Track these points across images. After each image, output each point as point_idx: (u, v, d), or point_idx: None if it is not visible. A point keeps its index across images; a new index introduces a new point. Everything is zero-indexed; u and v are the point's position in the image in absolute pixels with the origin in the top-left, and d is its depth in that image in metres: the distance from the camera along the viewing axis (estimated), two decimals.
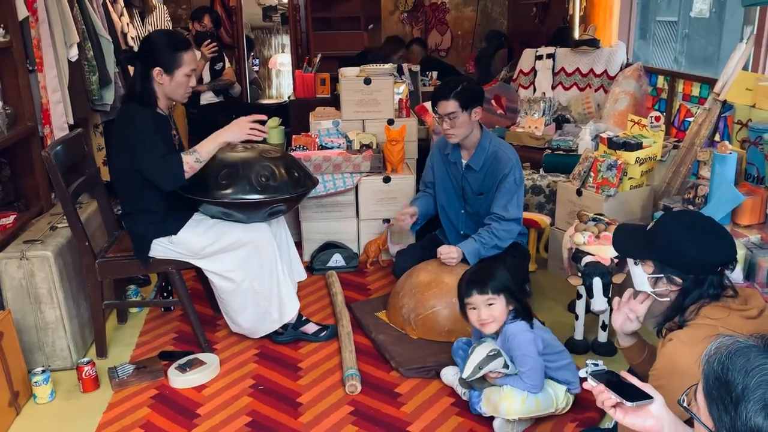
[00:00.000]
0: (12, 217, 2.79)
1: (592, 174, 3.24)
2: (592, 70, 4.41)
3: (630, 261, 1.83)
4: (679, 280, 1.67)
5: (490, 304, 2.15)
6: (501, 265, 2.89)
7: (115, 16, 3.74)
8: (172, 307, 3.13)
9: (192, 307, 2.70)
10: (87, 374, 2.48)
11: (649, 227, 1.79)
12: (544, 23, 5.74)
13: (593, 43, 4.41)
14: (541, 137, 4.06)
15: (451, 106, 2.84)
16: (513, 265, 2.98)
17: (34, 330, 2.57)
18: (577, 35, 4.75)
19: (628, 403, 1.32)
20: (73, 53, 3.12)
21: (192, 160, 2.47)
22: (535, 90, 4.62)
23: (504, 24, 6.70)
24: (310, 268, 3.50)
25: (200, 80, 4.84)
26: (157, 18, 4.41)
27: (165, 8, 4.57)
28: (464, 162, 3.03)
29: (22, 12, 2.87)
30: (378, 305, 3.07)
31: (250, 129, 2.55)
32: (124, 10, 3.98)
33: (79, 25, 3.18)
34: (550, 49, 4.61)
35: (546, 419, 2.23)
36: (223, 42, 5.98)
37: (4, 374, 2.30)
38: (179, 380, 2.51)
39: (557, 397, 2.16)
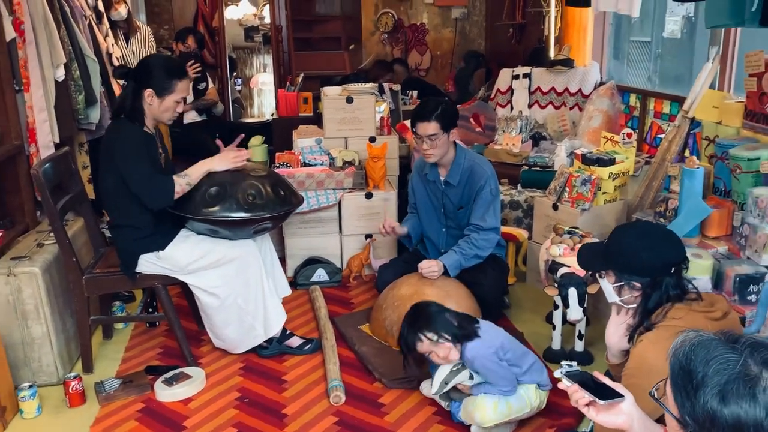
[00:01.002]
0: None
1: (567, 189, 3.34)
2: (567, 89, 4.54)
3: (598, 277, 1.94)
4: (639, 285, 1.79)
5: (439, 344, 2.21)
6: (481, 276, 3.01)
7: (100, 37, 3.80)
8: (157, 323, 3.16)
9: (178, 322, 2.75)
10: (74, 389, 2.50)
11: (605, 242, 1.91)
12: (520, 43, 5.89)
13: (568, 63, 4.55)
14: (518, 154, 4.17)
15: (432, 128, 2.92)
16: (493, 277, 3.08)
17: (21, 346, 2.59)
18: (552, 55, 4.89)
19: (601, 402, 1.40)
20: (60, 73, 3.17)
21: (183, 183, 2.55)
22: (512, 108, 4.74)
23: (482, 44, 6.85)
24: (293, 284, 3.55)
25: (187, 95, 4.89)
26: (142, 39, 4.48)
27: (149, 29, 4.63)
28: (442, 179, 3.11)
29: (10, 33, 2.92)
30: (361, 318, 3.13)
31: (234, 161, 2.66)
32: (109, 31, 4.04)
33: (66, 46, 3.23)
34: (527, 69, 4.74)
35: (525, 425, 2.30)
36: (206, 62, 6.05)
37: None
38: (166, 394, 2.54)
39: (529, 397, 2.23)
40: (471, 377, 2.22)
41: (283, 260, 3.64)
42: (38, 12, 3.02)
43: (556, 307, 2.77)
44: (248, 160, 2.77)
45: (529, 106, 4.68)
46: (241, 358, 2.84)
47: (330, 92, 3.94)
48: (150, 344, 3.01)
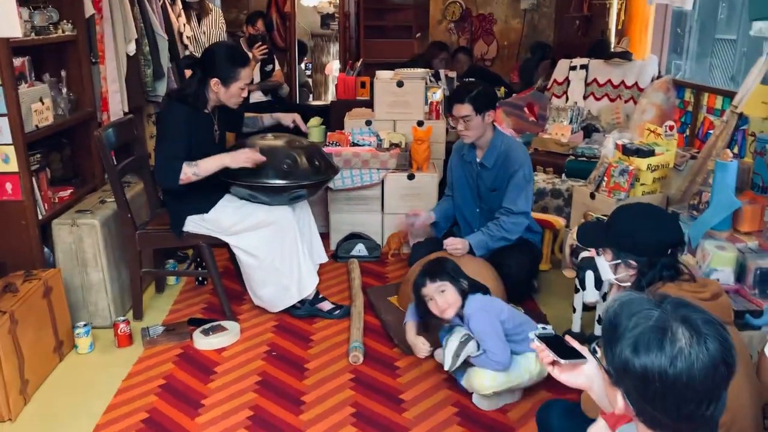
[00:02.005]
0: (69, 191, 3.13)
1: (605, 179, 3.36)
2: (623, 82, 4.51)
3: (596, 254, 2.01)
4: (635, 264, 1.84)
5: (442, 291, 2.35)
6: (509, 258, 3.10)
7: (173, 17, 4.10)
8: (205, 282, 3.42)
9: (219, 278, 2.99)
10: (122, 331, 2.78)
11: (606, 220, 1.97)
12: (586, 36, 5.84)
13: (626, 56, 4.51)
14: (566, 144, 4.20)
15: (465, 109, 3.03)
16: (520, 259, 3.15)
17: (80, 290, 2.89)
18: (612, 48, 4.85)
19: (562, 361, 1.50)
20: (131, 48, 3.47)
21: (190, 172, 2.72)
22: (567, 99, 4.75)
23: (550, 36, 6.81)
24: (334, 256, 3.75)
25: (251, 80, 5.17)
26: (213, 21, 4.77)
27: (220, 12, 4.92)
28: (478, 160, 3.21)
29: (89, 10, 3.24)
30: (391, 291, 3.28)
31: (248, 161, 2.77)
32: (182, 11, 4.34)
33: (138, 23, 3.53)
34: (584, 60, 4.73)
35: (529, 397, 2.39)
36: (276, 45, 6.32)
37: (51, 324, 2.63)
38: (202, 342, 2.79)
39: (528, 366, 2.32)
40: (479, 347, 2.32)
41: (327, 235, 3.85)
42: None
43: (576, 290, 2.82)
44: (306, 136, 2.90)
45: (585, 98, 4.68)
46: (276, 317, 3.05)
47: (382, 76, 4.09)
48: (196, 300, 3.27)
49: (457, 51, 6.46)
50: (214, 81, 2.79)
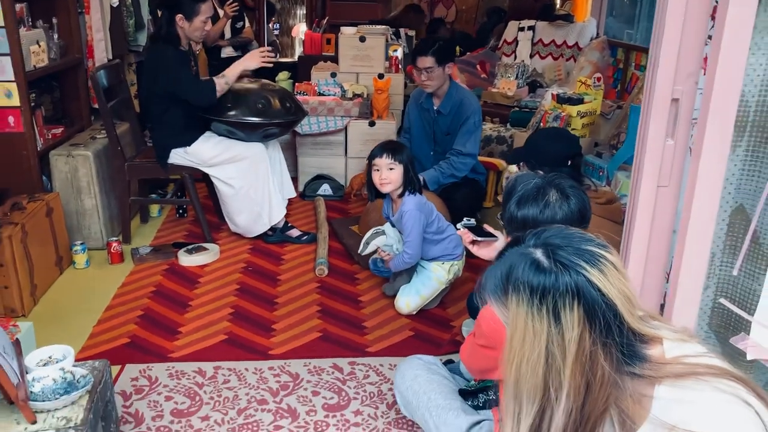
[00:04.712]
0: (60, 129, 3.46)
1: (541, 125, 3.82)
2: (565, 42, 4.97)
3: (517, 169, 2.47)
4: (542, 173, 2.30)
5: (391, 169, 2.67)
6: (456, 193, 3.54)
7: None
8: (186, 214, 3.80)
9: (200, 204, 3.39)
10: (114, 249, 3.16)
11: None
12: (537, 1, 6.27)
13: (568, 18, 4.96)
14: (512, 97, 4.65)
15: (428, 61, 3.43)
16: (467, 194, 3.61)
17: (75, 214, 3.25)
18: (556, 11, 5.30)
19: (480, 239, 1.96)
20: (115, 0, 3.77)
21: (222, 83, 3.16)
22: (515, 57, 5.19)
23: (506, 1, 7.22)
24: (302, 196, 4.15)
25: (222, 36, 5.48)
26: None
27: None
28: (435, 108, 3.63)
29: None
30: (353, 222, 3.71)
31: (262, 57, 3.22)
32: None
33: None
34: (531, 22, 5.17)
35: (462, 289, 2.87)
36: (246, 4, 6.59)
37: (53, 241, 2.99)
38: (186, 259, 3.18)
39: (438, 276, 2.75)
40: (386, 239, 2.78)
41: (296, 178, 4.24)
42: None
43: None
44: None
45: (531, 57, 5.12)
46: (251, 242, 3.46)
47: (346, 31, 4.46)
48: (178, 228, 3.65)
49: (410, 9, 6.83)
50: (179, 17, 3.15)
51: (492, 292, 1.03)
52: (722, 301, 1.38)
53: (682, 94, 1.31)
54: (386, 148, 2.71)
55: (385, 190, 2.72)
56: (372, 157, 2.74)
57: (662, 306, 1.50)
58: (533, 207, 1.50)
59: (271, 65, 3.28)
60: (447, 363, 2.22)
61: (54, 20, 3.43)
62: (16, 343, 1.69)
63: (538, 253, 1.00)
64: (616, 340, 0.96)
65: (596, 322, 0.95)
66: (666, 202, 1.40)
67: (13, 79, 2.94)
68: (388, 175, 2.68)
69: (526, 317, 0.98)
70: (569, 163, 2.30)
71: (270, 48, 3.30)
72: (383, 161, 2.67)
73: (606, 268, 0.97)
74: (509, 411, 1.01)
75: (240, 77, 3.50)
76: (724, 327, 1.48)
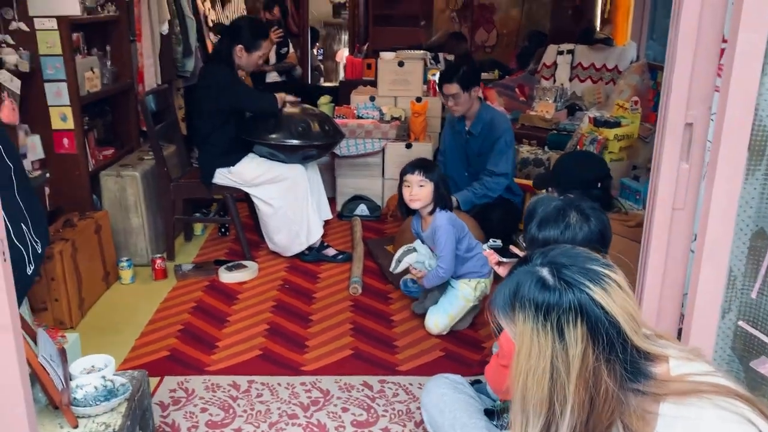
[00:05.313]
0: (111, 151, 3.63)
1: (578, 147, 3.83)
2: (605, 65, 4.96)
3: (547, 193, 2.49)
4: (573, 196, 2.33)
5: (421, 186, 2.73)
6: (491, 213, 3.57)
7: (199, 2, 4.59)
8: (227, 233, 3.93)
9: (240, 223, 3.51)
10: (158, 266, 3.29)
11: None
12: (578, 24, 6.29)
13: (607, 42, 4.97)
14: (550, 120, 4.66)
15: (453, 88, 3.49)
16: (502, 215, 3.63)
17: (122, 232, 3.40)
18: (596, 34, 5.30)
19: (504, 260, 1.99)
20: (164, 28, 3.96)
21: (279, 96, 3.36)
22: (555, 81, 5.20)
23: (547, 25, 7.25)
24: (340, 216, 4.24)
25: (266, 61, 5.66)
26: (235, 7, 5.25)
27: None
28: (467, 129, 3.68)
29: None
30: (388, 241, 3.77)
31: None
32: None
33: (170, 6, 4.03)
34: (570, 46, 5.19)
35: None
36: (290, 31, 6.79)
37: (101, 257, 3.14)
38: (226, 276, 3.29)
39: (465, 294, 2.77)
40: (420, 262, 2.80)
41: (334, 199, 4.34)
42: None
43: None
44: None
45: (570, 80, 5.13)
46: (288, 260, 3.55)
47: (385, 57, 4.56)
48: (219, 247, 3.78)
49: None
50: (239, 47, 3.30)
51: (501, 309, 1.07)
52: (741, 324, 1.39)
53: (695, 119, 1.34)
54: (417, 165, 2.78)
55: (414, 206, 2.77)
56: (403, 173, 2.80)
57: (680, 330, 1.51)
58: (554, 228, 1.54)
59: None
60: (475, 383, 2.24)
61: (107, 48, 3.63)
62: (62, 352, 1.79)
63: (544, 272, 1.03)
64: (620, 356, 0.99)
65: (599, 338, 0.98)
66: (682, 225, 1.41)
67: (68, 103, 3.12)
68: (419, 191, 2.73)
69: (531, 333, 1.01)
70: (598, 185, 2.32)
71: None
72: (414, 178, 2.73)
73: (609, 286, 1.01)
74: (517, 423, 1.04)
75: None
76: (747, 351, 1.48)
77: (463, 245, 2.77)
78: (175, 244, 3.65)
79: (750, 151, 1.29)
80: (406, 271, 2.91)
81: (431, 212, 2.78)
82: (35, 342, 1.72)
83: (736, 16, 1.21)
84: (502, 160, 3.58)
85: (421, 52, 4.69)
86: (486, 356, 2.62)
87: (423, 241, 2.88)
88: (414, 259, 2.79)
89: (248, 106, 3.32)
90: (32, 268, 1.73)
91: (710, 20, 1.28)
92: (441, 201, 2.76)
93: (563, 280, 1.01)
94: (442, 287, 2.86)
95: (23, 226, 1.72)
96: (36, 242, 1.78)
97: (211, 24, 4.77)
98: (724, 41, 1.28)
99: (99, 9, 3.47)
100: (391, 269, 2.87)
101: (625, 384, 1.00)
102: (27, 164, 2.98)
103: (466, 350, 2.69)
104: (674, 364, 1.03)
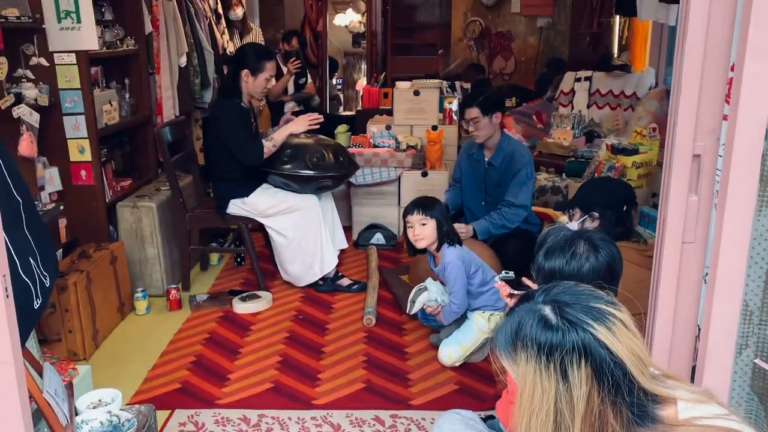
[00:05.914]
0: (128, 182, 3.68)
1: (596, 175, 3.78)
2: (623, 92, 4.93)
3: (568, 219, 2.45)
4: (597, 214, 2.28)
5: (423, 224, 2.72)
6: (508, 244, 3.52)
7: (218, 34, 4.67)
8: (242, 263, 3.93)
9: (255, 253, 3.51)
10: (173, 296, 3.30)
11: None
12: (595, 51, 6.27)
13: (625, 68, 4.93)
14: (568, 147, 4.62)
15: (474, 112, 3.48)
16: (520, 245, 3.57)
17: (138, 262, 3.42)
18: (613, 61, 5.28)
19: (516, 292, 1.95)
20: (183, 61, 4.03)
21: (270, 146, 3.30)
22: (573, 108, 5.17)
23: (565, 52, 7.25)
24: (356, 244, 4.22)
25: (285, 91, 5.72)
26: (253, 38, 5.33)
27: (260, 31, 5.50)
28: (486, 159, 3.66)
29: (148, 28, 3.81)
30: (403, 271, 3.74)
31: (309, 123, 3.35)
32: (226, 29, 4.91)
33: (189, 39, 4.09)
34: (588, 73, 5.17)
35: None
36: (309, 61, 6.88)
37: (116, 288, 3.15)
38: (240, 306, 3.28)
39: (479, 326, 2.73)
40: (432, 300, 2.77)
41: (350, 227, 4.33)
42: (170, 12, 3.89)
43: None
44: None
45: (588, 107, 5.10)
46: (302, 290, 3.53)
47: (401, 86, 4.58)
48: (234, 277, 3.78)
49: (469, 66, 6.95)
50: (244, 72, 3.33)
51: (502, 348, 1.04)
52: (757, 361, 1.33)
53: (703, 150, 1.30)
54: (417, 204, 2.78)
55: (419, 245, 2.77)
56: (405, 214, 2.80)
57: (693, 367, 1.45)
58: (560, 258, 1.50)
59: (317, 127, 3.40)
60: (488, 418, 2.18)
61: (126, 81, 3.69)
62: (69, 386, 1.79)
63: (547, 310, 1.00)
64: (626, 399, 0.95)
65: (605, 380, 0.95)
66: (692, 258, 1.37)
67: (86, 136, 3.16)
68: (422, 230, 2.73)
69: (534, 374, 0.98)
70: (624, 208, 2.28)
71: (318, 114, 3.44)
72: (415, 218, 2.74)
73: (614, 325, 0.97)
74: None
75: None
76: (766, 388, 1.42)
77: (476, 280, 2.74)
78: (191, 274, 3.66)
79: (762, 182, 1.25)
80: (422, 309, 2.88)
81: (438, 249, 2.77)
82: (42, 376, 1.72)
83: (741, 44, 1.18)
84: (522, 192, 3.54)
85: (437, 81, 4.70)
86: (500, 390, 2.56)
87: (437, 276, 2.86)
88: (426, 298, 2.76)
89: (233, 149, 3.28)
90: (39, 302, 1.73)
91: (716, 50, 1.25)
92: (446, 236, 2.75)
93: (566, 319, 0.98)
94: (459, 319, 2.82)
95: (31, 260, 1.73)
96: (44, 276, 1.78)
97: (229, 55, 4.83)
98: (732, 69, 1.25)
99: (118, 43, 3.54)
100: (407, 311, 2.85)
101: (631, 428, 0.96)
102: (44, 196, 3.03)
103: (481, 383, 2.63)
104: (683, 407, 0.98)
